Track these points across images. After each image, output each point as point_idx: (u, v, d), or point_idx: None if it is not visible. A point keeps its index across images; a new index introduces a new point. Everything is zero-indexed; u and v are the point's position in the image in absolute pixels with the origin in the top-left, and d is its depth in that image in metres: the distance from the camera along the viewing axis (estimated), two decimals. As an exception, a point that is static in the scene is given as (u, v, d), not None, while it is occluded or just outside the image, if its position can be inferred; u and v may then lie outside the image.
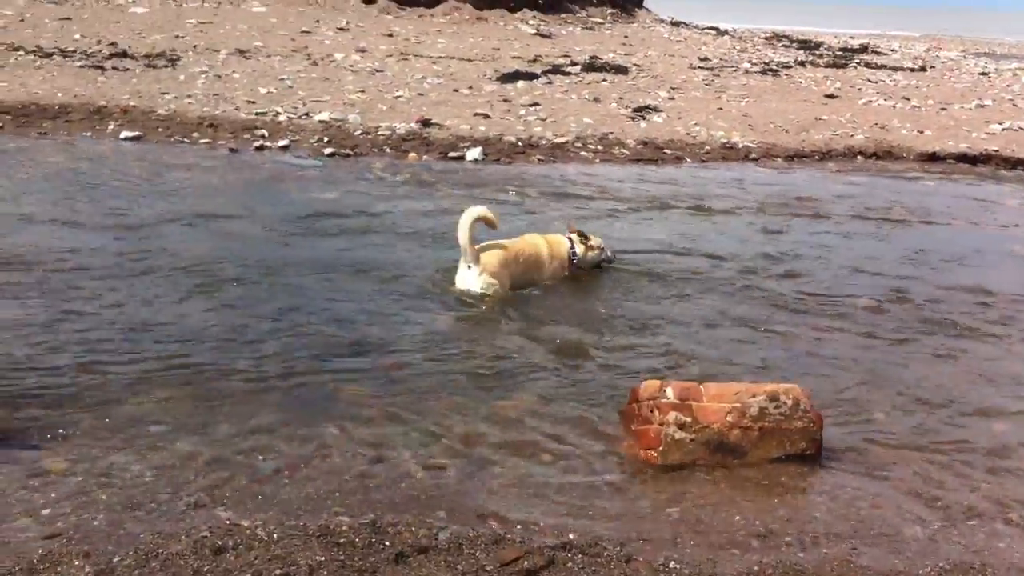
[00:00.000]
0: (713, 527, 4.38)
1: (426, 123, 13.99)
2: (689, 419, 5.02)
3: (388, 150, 12.80)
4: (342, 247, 8.52)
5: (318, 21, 25.77)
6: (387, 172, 11.67)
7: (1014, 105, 19.77)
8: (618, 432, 5.30)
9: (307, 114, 14.18)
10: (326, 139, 12.93)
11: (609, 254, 8.29)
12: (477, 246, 7.45)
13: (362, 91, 16.31)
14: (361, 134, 13.33)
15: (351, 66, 19.10)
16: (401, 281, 7.69)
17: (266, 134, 12.99)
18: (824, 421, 5.13)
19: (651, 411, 5.09)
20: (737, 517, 4.47)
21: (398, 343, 6.46)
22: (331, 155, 12.30)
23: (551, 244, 8.03)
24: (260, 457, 4.78)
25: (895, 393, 6.04)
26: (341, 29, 24.90)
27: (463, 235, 7.27)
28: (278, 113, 14.13)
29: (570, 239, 8.13)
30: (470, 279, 7.43)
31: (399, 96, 16.14)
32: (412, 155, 12.61)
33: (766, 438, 5.02)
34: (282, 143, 12.63)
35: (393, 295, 7.38)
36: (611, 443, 5.20)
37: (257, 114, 14.03)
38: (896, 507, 4.62)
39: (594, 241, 8.17)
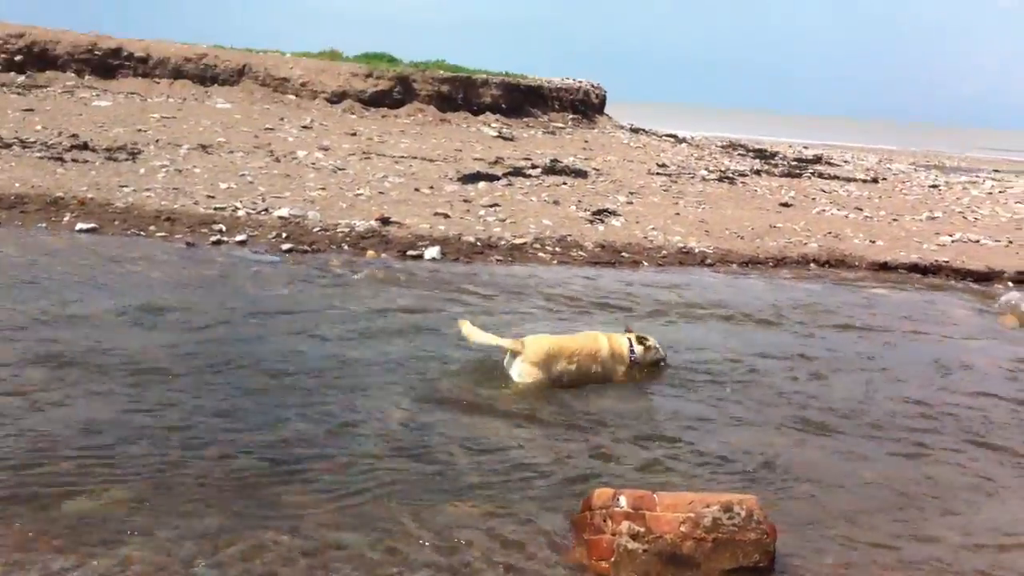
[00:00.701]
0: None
1: (385, 221, 14.03)
2: (642, 529, 4.94)
3: (346, 247, 12.79)
4: (296, 344, 8.42)
5: (282, 119, 25.96)
6: (345, 269, 11.64)
7: (964, 218, 20.17)
8: (570, 542, 5.19)
9: (266, 210, 14.17)
10: (284, 235, 12.92)
11: (662, 353, 8.52)
12: (529, 336, 8.00)
13: (323, 188, 16.37)
14: (320, 231, 13.33)
15: (313, 163, 19.19)
16: (357, 380, 7.61)
17: (224, 229, 12.95)
18: (778, 532, 5.07)
19: (604, 520, 5.01)
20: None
21: (351, 443, 6.37)
22: (289, 251, 12.27)
23: (612, 342, 8.27)
24: (200, 565, 4.63)
25: (855, 506, 6.00)
26: (305, 127, 25.08)
27: (483, 339, 7.83)
28: (237, 208, 14.11)
29: (629, 340, 8.35)
30: (512, 368, 7.84)
31: (360, 194, 16.20)
32: (370, 253, 12.61)
33: (719, 549, 4.94)
34: (239, 238, 12.59)
35: (347, 394, 7.29)
36: (563, 553, 5.09)
37: (216, 209, 14.00)
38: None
39: (651, 342, 8.43)
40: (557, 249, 13.90)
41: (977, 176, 36.58)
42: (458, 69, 33.20)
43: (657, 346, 8.45)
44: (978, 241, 17.04)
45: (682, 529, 4.94)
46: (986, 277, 14.77)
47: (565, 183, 20.06)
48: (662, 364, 8.51)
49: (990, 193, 26.36)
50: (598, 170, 22.91)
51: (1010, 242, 17.05)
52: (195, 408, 6.72)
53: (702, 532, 4.94)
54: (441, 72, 31.97)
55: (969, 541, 5.67)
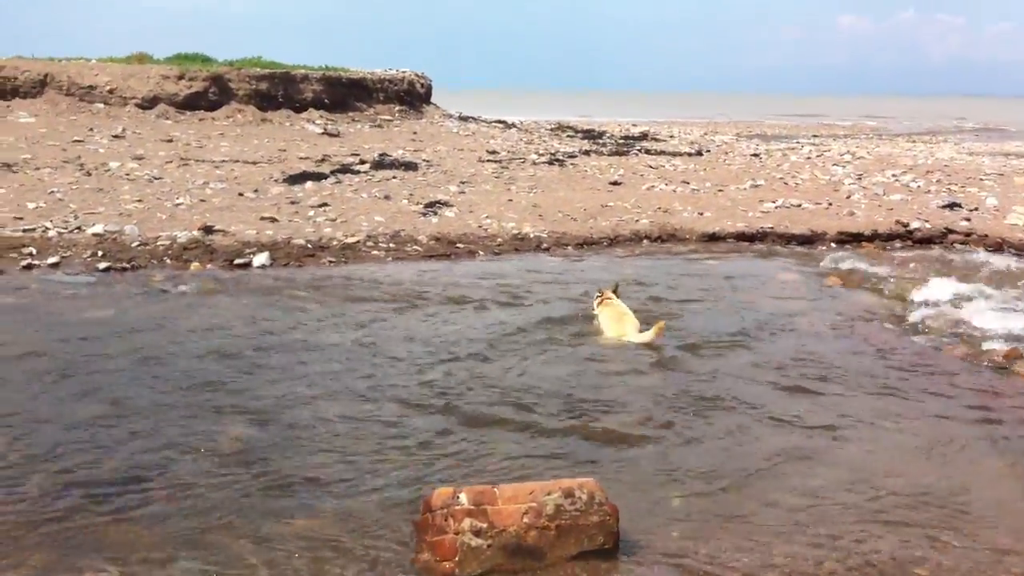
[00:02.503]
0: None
1: (209, 230, 13.49)
2: (485, 524, 4.83)
3: (169, 261, 12.24)
4: (115, 368, 7.95)
5: (91, 129, 24.76)
6: (168, 284, 11.12)
7: (785, 183, 20.78)
8: (414, 546, 5.04)
9: (79, 228, 13.41)
10: (100, 253, 12.25)
11: None
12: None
13: (139, 200, 15.63)
14: (139, 245, 12.71)
15: (127, 175, 18.33)
16: (188, 400, 7.24)
17: (34, 252, 12.19)
18: (620, 512, 5.04)
19: (445, 520, 4.87)
20: (539, 627, 4.28)
21: (182, 469, 6.02)
22: (106, 269, 11.63)
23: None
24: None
25: (689, 475, 6.05)
26: (116, 136, 24.00)
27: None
28: (47, 228, 13.31)
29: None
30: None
31: (180, 203, 15.54)
32: (195, 265, 12.09)
33: (563, 536, 4.88)
34: (52, 260, 11.87)
35: (170, 417, 6.91)
36: (407, 558, 4.94)
37: (25, 231, 13.16)
38: (696, 597, 4.55)
39: None
40: (391, 245, 13.67)
41: (796, 142, 38.05)
42: (276, 65, 32.38)
43: None
44: (800, 205, 17.59)
45: (525, 520, 4.86)
46: (809, 240, 15.34)
47: (395, 177, 19.82)
48: None
49: (808, 158, 27.40)
50: (428, 161, 22.75)
51: (829, 204, 17.71)
52: (12, 443, 6.25)
53: (545, 521, 4.87)
54: (258, 70, 31.09)
55: (813, 505, 5.77)
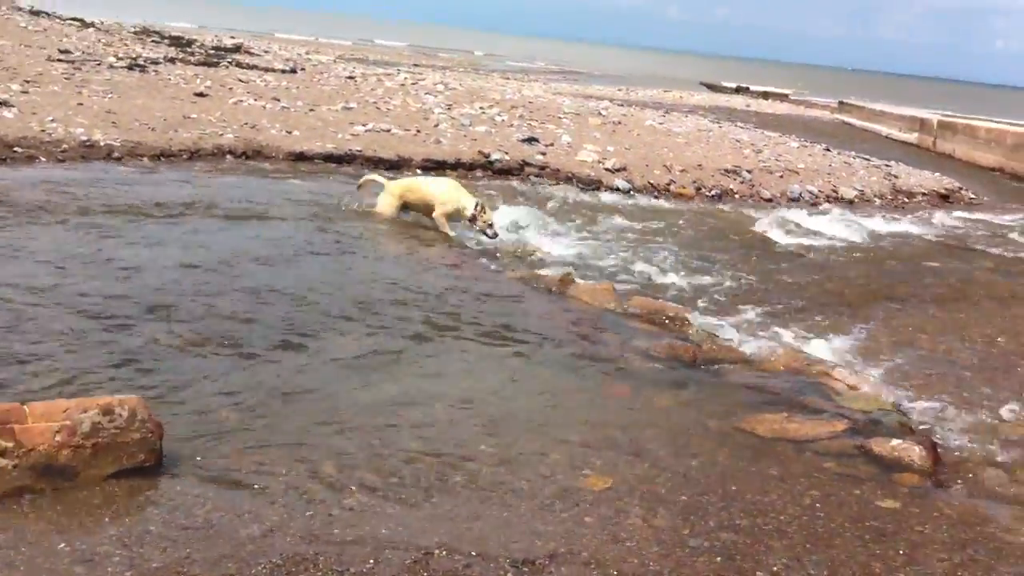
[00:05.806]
0: (32, 560, 3.94)
1: None
2: (11, 444, 4.51)
3: None
4: None
5: None
6: None
7: (376, 108, 20.98)
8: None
9: None
10: None
11: (490, 233, 11.05)
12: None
13: None
14: None
15: None
16: None
17: None
18: (167, 428, 4.92)
19: (-39, 440, 4.49)
20: (62, 545, 4.08)
21: None
22: None
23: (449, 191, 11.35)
24: None
25: (251, 391, 5.99)
26: None
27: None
28: None
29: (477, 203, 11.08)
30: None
31: None
32: None
33: (100, 454, 4.68)
34: None
35: None
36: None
37: None
38: (234, 507, 4.53)
39: (488, 215, 11.12)
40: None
41: (396, 69, 38.61)
42: None
43: (491, 221, 11.14)
44: (390, 130, 17.88)
45: (57, 439, 4.60)
46: (397, 165, 15.65)
47: (-57, 70, 17.63)
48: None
49: (403, 85, 27.90)
50: (-13, 56, 20.46)
51: (418, 131, 18.16)
52: None
53: (80, 439, 4.64)
54: None
55: (367, 418, 5.94)
